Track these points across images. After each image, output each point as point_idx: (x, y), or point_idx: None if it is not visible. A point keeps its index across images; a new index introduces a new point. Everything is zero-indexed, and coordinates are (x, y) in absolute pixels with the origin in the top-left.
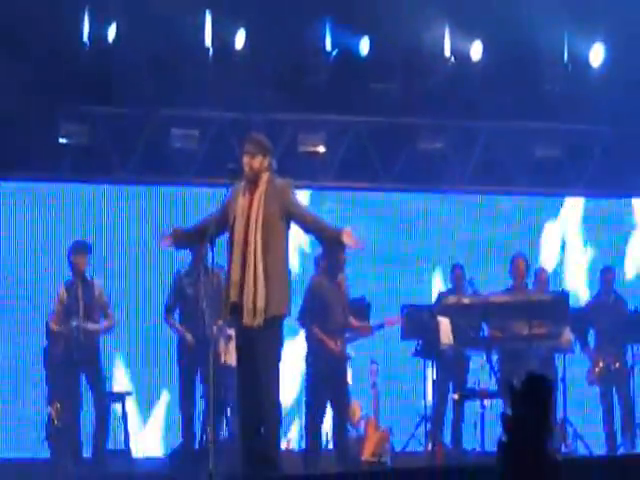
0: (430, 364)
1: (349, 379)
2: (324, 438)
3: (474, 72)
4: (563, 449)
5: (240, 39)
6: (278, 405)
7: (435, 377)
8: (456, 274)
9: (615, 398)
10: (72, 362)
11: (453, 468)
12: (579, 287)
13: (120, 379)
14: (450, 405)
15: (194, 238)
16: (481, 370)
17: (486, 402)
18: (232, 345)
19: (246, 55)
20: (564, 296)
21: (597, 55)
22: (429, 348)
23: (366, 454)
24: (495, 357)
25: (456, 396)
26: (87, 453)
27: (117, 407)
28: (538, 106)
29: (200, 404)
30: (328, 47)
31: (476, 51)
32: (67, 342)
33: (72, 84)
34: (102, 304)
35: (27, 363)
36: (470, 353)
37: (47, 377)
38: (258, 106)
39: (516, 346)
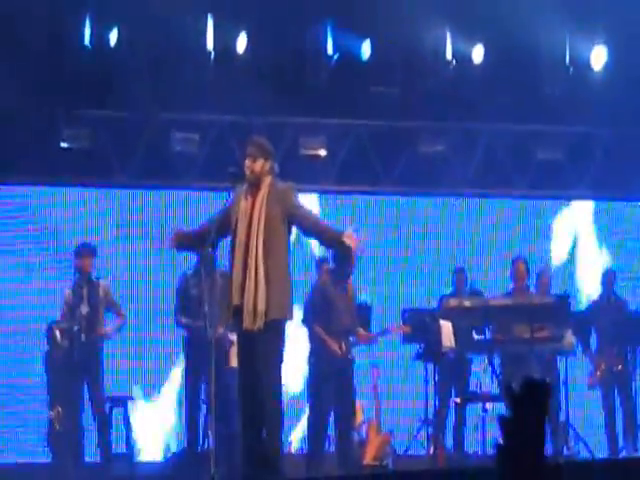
0: (432, 367)
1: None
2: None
3: (475, 75)
4: (565, 452)
5: (241, 42)
6: (280, 408)
7: (437, 380)
8: (457, 277)
9: (617, 401)
10: (73, 366)
11: (455, 471)
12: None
13: (122, 383)
14: (452, 408)
15: (196, 241)
16: (483, 373)
17: (488, 405)
18: (234, 349)
19: (247, 58)
20: (566, 299)
21: (598, 57)
22: (431, 351)
23: (368, 458)
24: (497, 360)
25: (458, 399)
26: (88, 457)
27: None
28: (539, 108)
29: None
30: (329, 50)
31: (477, 54)
32: (69, 345)
33: (73, 88)
34: (111, 303)
35: (28, 367)
36: (472, 356)
37: (48, 381)
38: (259, 109)
39: (518, 349)
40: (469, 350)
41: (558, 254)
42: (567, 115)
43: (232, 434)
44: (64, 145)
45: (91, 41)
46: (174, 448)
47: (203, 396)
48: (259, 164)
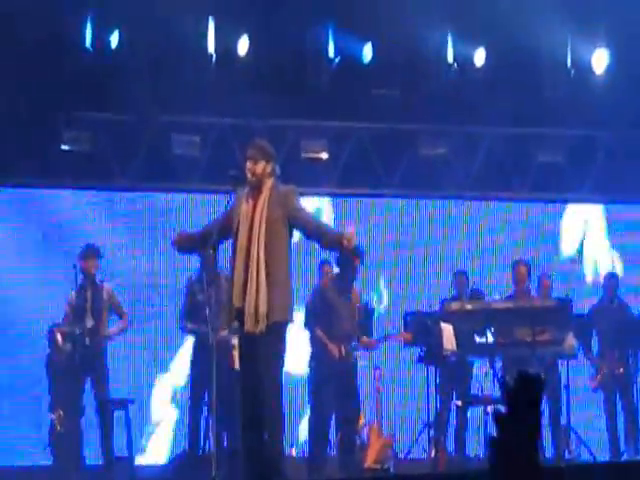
0: (433, 370)
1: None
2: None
3: (476, 77)
4: (567, 455)
5: (243, 45)
6: (281, 410)
7: (438, 383)
8: (459, 280)
9: (619, 404)
10: (75, 369)
11: (456, 475)
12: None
13: (123, 386)
14: (453, 411)
15: (197, 243)
16: (484, 376)
17: (489, 408)
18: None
19: (249, 61)
20: (567, 302)
21: (600, 60)
22: (432, 354)
23: (369, 461)
24: (499, 363)
25: (459, 402)
26: (90, 460)
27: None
28: (540, 111)
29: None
30: (331, 53)
31: (479, 56)
32: (71, 348)
33: (74, 90)
34: (115, 305)
35: (29, 370)
36: (473, 359)
37: (49, 384)
38: (260, 112)
39: (519, 352)
40: (470, 353)
41: (560, 257)
42: (568, 118)
43: (233, 438)
44: (64, 148)
45: (92, 43)
46: (175, 451)
47: (206, 399)
48: (260, 167)
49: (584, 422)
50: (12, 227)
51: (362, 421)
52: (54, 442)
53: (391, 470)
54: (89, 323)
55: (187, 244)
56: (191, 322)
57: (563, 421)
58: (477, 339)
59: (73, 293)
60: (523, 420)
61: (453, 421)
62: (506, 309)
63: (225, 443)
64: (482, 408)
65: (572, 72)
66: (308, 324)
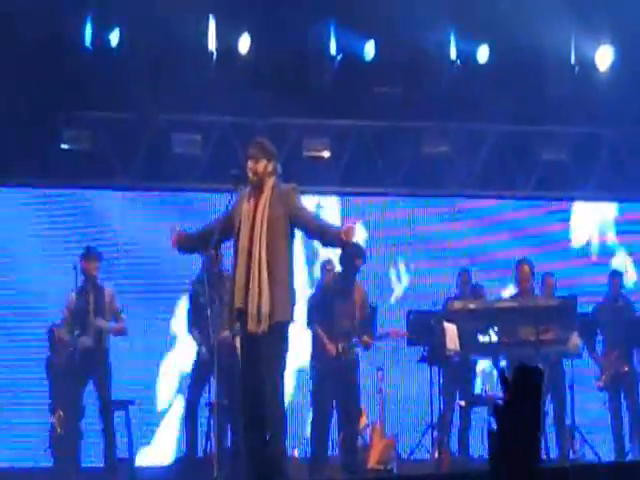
0: (436, 370)
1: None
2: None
3: (480, 75)
4: (571, 455)
5: (244, 43)
6: (283, 411)
7: (441, 383)
8: (462, 279)
9: (623, 404)
10: (75, 370)
11: (459, 476)
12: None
13: (124, 387)
14: (457, 412)
15: (198, 243)
16: (488, 376)
17: (491, 411)
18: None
19: (250, 59)
20: (572, 301)
21: (604, 57)
22: (435, 354)
23: (372, 462)
24: (502, 363)
25: (463, 403)
26: (90, 462)
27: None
28: (544, 109)
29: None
30: (332, 51)
31: (482, 54)
32: (72, 350)
33: (74, 89)
34: (114, 309)
35: (29, 372)
36: (477, 359)
37: (50, 386)
38: (262, 110)
39: (523, 352)
40: (474, 353)
41: (565, 255)
42: (572, 115)
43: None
44: (64, 147)
45: (92, 42)
46: (177, 452)
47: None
48: (261, 166)
49: (589, 422)
50: (12, 227)
51: (365, 421)
52: (54, 444)
53: (394, 471)
54: (91, 324)
55: (187, 244)
56: (196, 327)
57: (567, 421)
58: (480, 338)
59: (73, 294)
60: (521, 411)
61: (457, 421)
62: (510, 308)
63: (227, 444)
64: (486, 408)
65: (576, 69)
66: (310, 323)
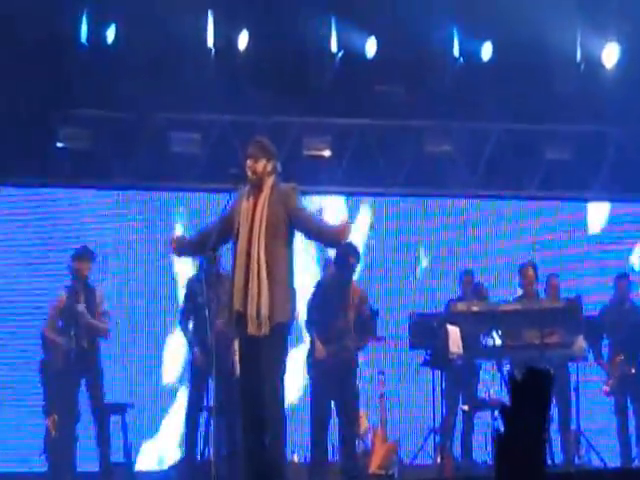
0: (439, 374)
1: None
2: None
3: (483, 72)
4: (576, 461)
5: (243, 40)
6: (283, 414)
7: (444, 387)
8: (465, 280)
9: (630, 408)
10: (70, 372)
11: None
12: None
13: (121, 390)
14: (460, 416)
15: (197, 246)
16: (492, 380)
17: (497, 413)
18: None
19: (249, 56)
20: (577, 303)
21: (610, 54)
22: (438, 357)
23: (373, 467)
24: (506, 366)
25: (466, 407)
26: (86, 466)
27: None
28: (549, 107)
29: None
30: (333, 48)
31: (486, 51)
32: (66, 350)
33: (70, 87)
34: (100, 311)
35: (24, 375)
36: (480, 362)
37: (44, 389)
38: (261, 109)
39: (528, 355)
40: (477, 356)
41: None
42: (578, 114)
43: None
44: (61, 145)
45: (88, 38)
46: (175, 457)
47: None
48: (261, 165)
49: (594, 427)
50: (9, 226)
51: (366, 426)
52: (49, 448)
53: (396, 476)
54: (81, 325)
55: (186, 248)
56: (189, 326)
57: (573, 426)
58: (484, 341)
59: (64, 294)
60: (529, 415)
61: (460, 426)
62: (514, 310)
63: (225, 447)
64: (489, 413)
65: (582, 66)
66: (308, 322)
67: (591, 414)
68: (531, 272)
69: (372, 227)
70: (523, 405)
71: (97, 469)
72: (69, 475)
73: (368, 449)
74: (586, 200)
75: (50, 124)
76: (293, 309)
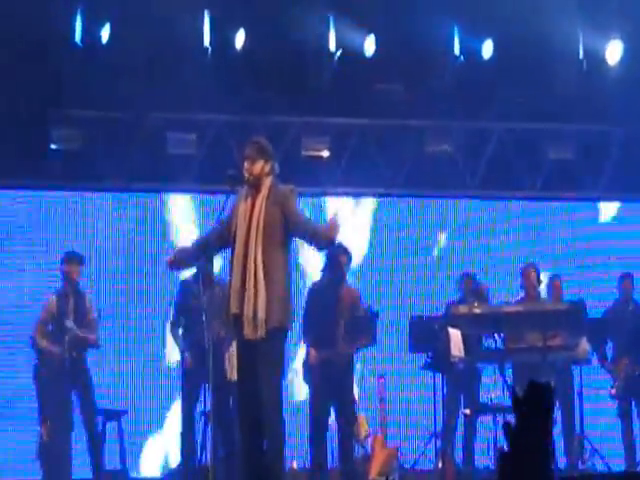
0: (440, 378)
1: (355, 393)
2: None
3: (484, 71)
4: (580, 465)
5: (240, 39)
6: (281, 418)
7: (445, 391)
8: (465, 282)
9: (634, 412)
10: (62, 379)
11: None
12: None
13: (116, 396)
14: (461, 421)
15: (193, 258)
16: (494, 384)
17: (499, 417)
18: (235, 361)
19: (246, 55)
20: (580, 305)
21: (613, 52)
22: (439, 361)
23: (373, 473)
24: (509, 370)
25: (468, 411)
26: (80, 473)
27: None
28: (551, 106)
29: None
30: (332, 47)
31: (486, 49)
32: (58, 356)
33: (63, 87)
34: (90, 318)
35: (18, 381)
36: (482, 366)
37: (37, 395)
38: (259, 108)
39: (530, 358)
40: (479, 359)
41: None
42: (581, 112)
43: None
44: (54, 147)
45: (82, 38)
46: (172, 462)
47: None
48: (258, 166)
49: (598, 430)
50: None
51: (366, 430)
52: (43, 456)
53: None
54: (71, 330)
55: (183, 264)
56: (179, 328)
57: (576, 429)
58: (486, 344)
59: (54, 298)
60: (534, 433)
61: (461, 431)
62: (516, 313)
63: (222, 449)
64: (491, 417)
65: (584, 65)
66: (304, 325)
67: (595, 417)
68: (533, 274)
69: (372, 227)
70: (526, 422)
71: (91, 477)
72: None
73: (368, 454)
74: (589, 200)
75: (41, 124)
76: (290, 312)
